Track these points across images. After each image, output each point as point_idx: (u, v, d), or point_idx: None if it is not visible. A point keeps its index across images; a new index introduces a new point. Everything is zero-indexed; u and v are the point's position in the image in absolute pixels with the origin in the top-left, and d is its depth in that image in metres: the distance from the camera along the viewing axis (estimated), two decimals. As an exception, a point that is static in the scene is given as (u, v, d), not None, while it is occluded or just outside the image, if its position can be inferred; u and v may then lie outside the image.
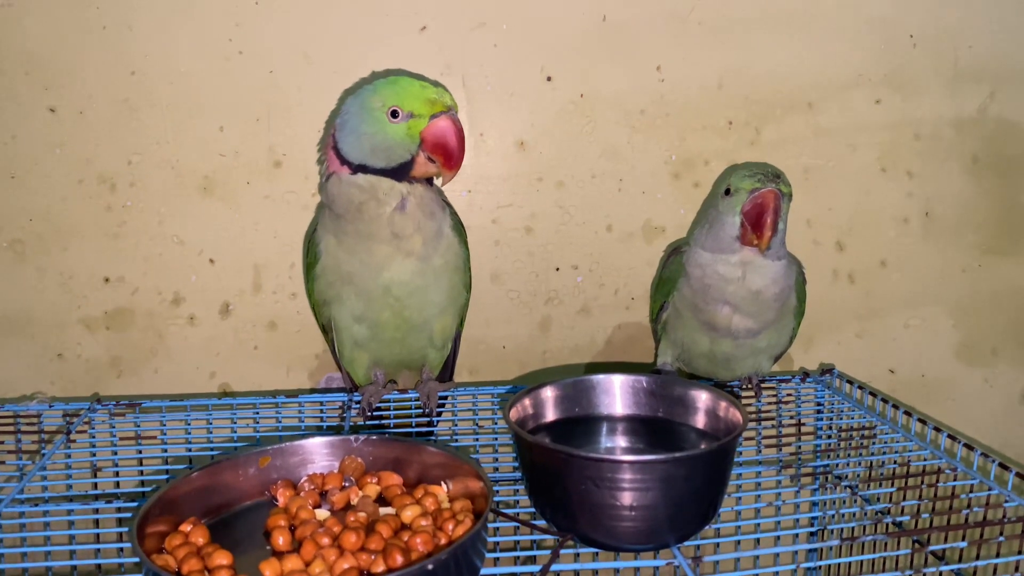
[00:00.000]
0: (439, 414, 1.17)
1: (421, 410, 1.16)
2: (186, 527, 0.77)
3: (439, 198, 1.09)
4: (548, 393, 0.95)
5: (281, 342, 1.33)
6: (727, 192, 1.09)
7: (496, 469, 1.06)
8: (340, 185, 1.03)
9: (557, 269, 1.37)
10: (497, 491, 0.92)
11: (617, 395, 0.97)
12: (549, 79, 1.31)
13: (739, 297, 1.10)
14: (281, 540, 0.76)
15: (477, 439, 1.12)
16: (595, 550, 0.83)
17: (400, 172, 1.02)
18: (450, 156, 1.01)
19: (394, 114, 0.99)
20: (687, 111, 1.34)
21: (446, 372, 1.25)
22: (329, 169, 1.06)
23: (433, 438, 1.15)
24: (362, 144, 1.01)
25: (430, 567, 0.66)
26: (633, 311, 1.40)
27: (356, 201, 1.02)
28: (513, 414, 0.88)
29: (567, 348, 1.40)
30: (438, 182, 1.09)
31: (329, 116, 1.26)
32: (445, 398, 1.19)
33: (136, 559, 0.76)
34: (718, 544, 1.08)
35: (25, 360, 1.28)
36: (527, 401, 0.92)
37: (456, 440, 1.13)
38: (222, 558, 0.72)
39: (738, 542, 0.87)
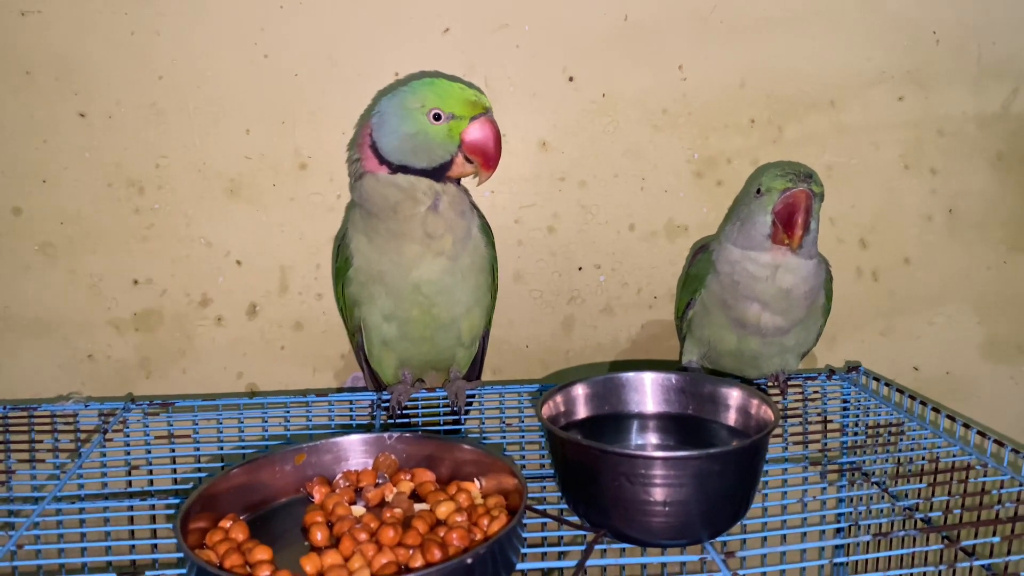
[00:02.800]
0: (466, 413, 1.18)
1: (449, 409, 1.17)
2: (226, 523, 0.79)
3: (468, 199, 1.10)
4: (579, 391, 0.96)
5: (307, 342, 1.34)
6: (758, 192, 1.09)
7: (523, 467, 1.07)
8: (377, 184, 1.05)
9: (580, 268, 1.37)
10: (525, 488, 0.93)
11: (648, 392, 0.97)
12: (571, 79, 1.31)
13: (769, 295, 1.10)
14: (319, 536, 0.78)
15: (504, 437, 1.13)
16: (626, 545, 0.84)
17: (437, 172, 1.04)
18: (489, 157, 1.04)
19: (436, 116, 1.01)
20: (709, 110, 1.34)
21: (474, 371, 1.26)
22: (365, 168, 1.07)
23: (461, 436, 1.16)
24: (403, 145, 1.03)
25: (469, 561, 0.67)
26: (656, 310, 1.40)
27: (392, 200, 1.03)
28: (545, 411, 0.89)
29: (590, 347, 1.40)
30: (472, 182, 1.10)
31: (361, 116, 1.27)
32: (472, 396, 1.20)
33: (177, 555, 0.78)
34: (744, 540, 1.09)
35: (56, 361, 1.30)
36: (559, 398, 0.93)
37: (484, 438, 1.14)
38: (263, 553, 0.73)
39: (764, 538, 0.87)
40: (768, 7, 1.32)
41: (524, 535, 0.79)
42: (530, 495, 0.93)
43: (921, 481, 0.97)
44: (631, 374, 0.98)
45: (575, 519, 0.85)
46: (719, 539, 0.82)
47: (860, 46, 1.35)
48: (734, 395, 0.93)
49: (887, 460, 1.05)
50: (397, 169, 1.04)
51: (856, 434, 1.14)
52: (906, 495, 0.98)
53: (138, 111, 1.25)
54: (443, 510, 0.80)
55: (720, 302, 1.15)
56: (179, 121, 1.26)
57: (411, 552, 0.74)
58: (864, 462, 1.06)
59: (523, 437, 1.12)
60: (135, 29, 1.23)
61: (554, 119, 1.32)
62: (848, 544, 1.12)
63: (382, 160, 1.04)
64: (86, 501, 0.98)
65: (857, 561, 0.97)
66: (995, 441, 0.97)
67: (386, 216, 1.04)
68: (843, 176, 1.38)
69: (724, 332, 1.17)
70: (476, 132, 1.02)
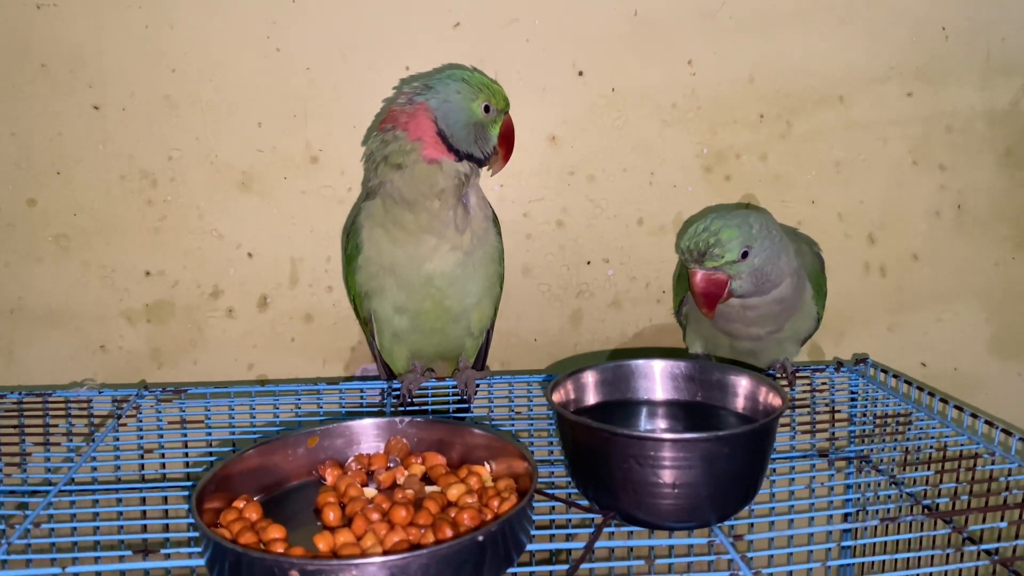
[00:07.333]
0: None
1: (458, 397, 1.18)
2: (239, 503, 0.79)
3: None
4: (589, 377, 0.96)
5: (317, 334, 1.35)
6: None
7: (532, 454, 1.08)
8: (437, 172, 1.05)
9: (588, 262, 1.38)
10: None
11: (657, 380, 0.98)
12: (581, 74, 1.32)
13: (732, 314, 1.11)
14: (332, 516, 0.78)
15: (513, 425, 1.13)
16: (634, 528, 0.84)
17: (484, 161, 1.10)
18: (511, 148, 1.12)
19: (486, 108, 1.07)
20: (718, 105, 1.35)
21: (479, 362, 1.27)
22: (429, 156, 1.05)
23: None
24: (468, 134, 1.07)
25: (480, 539, 0.68)
26: (664, 304, 1.41)
27: (440, 187, 1.06)
28: (556, 397, 0.90)
29: (598, 341, 1.41)
30: (487, 172, 1.14)
31: (387, 103, 1.26)
32: (479, 385, 1.20)
33: (188, 535, 0.79)
34: (752, 524, 1.09)
35: (69, 352, 1.32)
36: (569, 385, 0.94)
37: (493, 426, 1.14)
38: (276, 532, 0.74)
39: (772, 522, 0.88)
40: (777, 3, 1.32)
41: (534, 518, 0.80)
42: (539, 480, 0.94)
43: (928, 469, 0.98)
44: (640, 361, 0.99)
45: (584, 502, 0.85)
46: (727, 523, 0.83)
47: (869, 42, 1.35)
48: (743, 383, 0.94)
49: (895, 449, 1.05)
50: (464, 157, 1.07)
51: (864, 424, 1.14)
52: (913, 483, 0.98)
53: (151, 104, 1.27)
54: (454, 492, 0.81)
55: None
56: (192, 114, 1.28)
57: (423, 531, 0.74)
58: (871, 451, 1.06)
59: (532, 425, 1.13)
60: (149, 23, 1.25)
61: (563, 113, 1.33)
62: (856, 528, 1.12)
63: (450, 148, 1.06)
64: (99, 484, 0.99)
65: (864, 545, 0.97)
66: (1003, 430, 0.97)
67: (421, 207, 1.05)
68: (852, 171, 1.39)
69: (715, 331, 1.17)
70: (507, 126, 1.10)
